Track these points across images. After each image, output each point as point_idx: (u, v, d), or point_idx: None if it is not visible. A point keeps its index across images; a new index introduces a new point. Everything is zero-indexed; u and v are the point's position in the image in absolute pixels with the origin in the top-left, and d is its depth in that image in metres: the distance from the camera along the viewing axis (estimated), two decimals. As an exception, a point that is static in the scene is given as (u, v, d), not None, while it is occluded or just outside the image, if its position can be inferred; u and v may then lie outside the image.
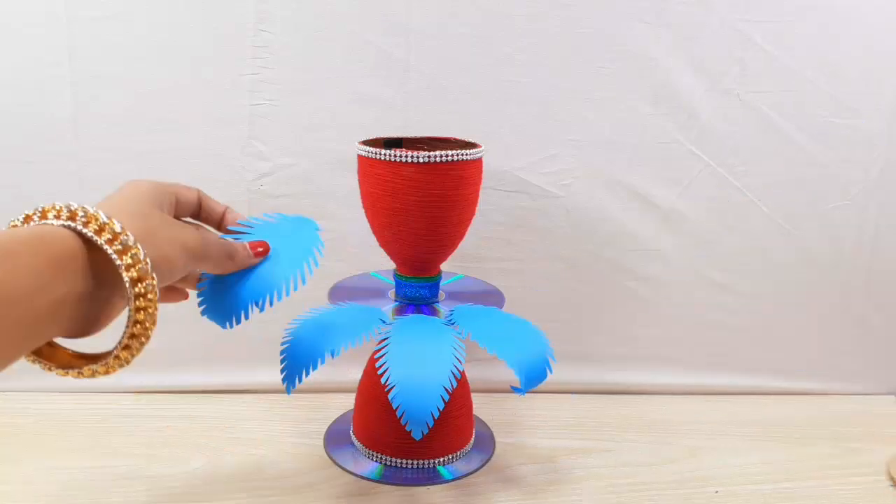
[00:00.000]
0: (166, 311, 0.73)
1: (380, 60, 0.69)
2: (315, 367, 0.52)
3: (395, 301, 0.63)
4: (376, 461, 0.63)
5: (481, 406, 0.71)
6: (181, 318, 0.74)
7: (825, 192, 0.77)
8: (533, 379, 0.54)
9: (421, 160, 0.55)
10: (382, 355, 0.52)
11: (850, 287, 0.80)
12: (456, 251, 0.62)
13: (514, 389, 0.54)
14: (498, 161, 0.71)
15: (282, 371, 0.54)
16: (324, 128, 0.70)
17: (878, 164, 0.76)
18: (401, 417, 0.49)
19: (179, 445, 0.65)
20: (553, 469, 0.65)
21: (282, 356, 0.54)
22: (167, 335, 0.74)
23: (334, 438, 0.67)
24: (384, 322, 0.57)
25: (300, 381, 0.52)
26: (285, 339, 0.55)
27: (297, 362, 0.53)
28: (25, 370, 0.73)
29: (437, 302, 0.63)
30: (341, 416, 0.71)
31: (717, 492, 0.62)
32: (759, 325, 0.80)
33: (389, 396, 0.50)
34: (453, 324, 0.57)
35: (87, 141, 0.69)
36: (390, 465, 0.62)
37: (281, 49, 0.68)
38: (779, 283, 0.79)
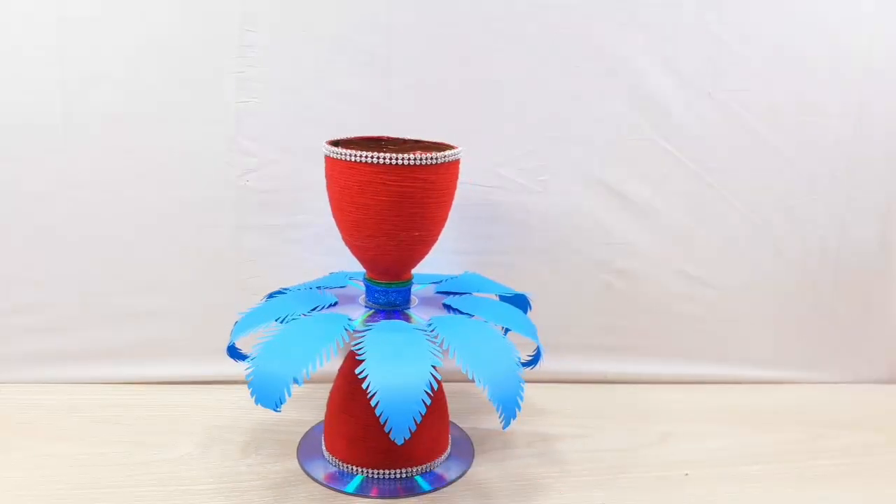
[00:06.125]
0: (155, 304, 0.75)
1: (362, 58, 0.71)
2: (283, 401, 0.51)
3: (366, 307, 0.62)
4: (352, 473, 0.61)
5: (454, 395, 0.70)
6: (170, 311, 0.76)
7: (794, 188, 0.79)
8: (509, 412, 0.53)
9: (393, 162, 0.54)
10: (361, 360, 0.52)
11: (817, 280, 0.83)
12: (435, 246, 0.62)
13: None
14: (476, 157, 0.73)
15: (255, 402, 0.52)
16: (308, 124, 0.72)
17: (845, 161, 0.79)
18: (384, 424, 0.49)
19: (166, 434, 0.67)
20: (530, 454, 0.67)
21: (249, 388, 0.52)
22: (156, 327, 0.76)
23: (307, 450, 0.66)
24: (349, 329, 0.56)
25: (277, 409, 0.51)
26: (248, 370, 0.52)
27: (266, 395, 0.51)
28: (16, 363, 0.75)
29: (409, 308, 0.62)
30: (315, 426, 0.70)
31: (686, 474, 0.64)
32: (731, 317, 0.83)
33: (372, 403, 0.49)
34: (433, 331, 0.56)
35: (77, 139, 0.70)
36: (367, 476, 0.61)
37: (266, 48, 0.70)
38: (750, 277, 0.82)
